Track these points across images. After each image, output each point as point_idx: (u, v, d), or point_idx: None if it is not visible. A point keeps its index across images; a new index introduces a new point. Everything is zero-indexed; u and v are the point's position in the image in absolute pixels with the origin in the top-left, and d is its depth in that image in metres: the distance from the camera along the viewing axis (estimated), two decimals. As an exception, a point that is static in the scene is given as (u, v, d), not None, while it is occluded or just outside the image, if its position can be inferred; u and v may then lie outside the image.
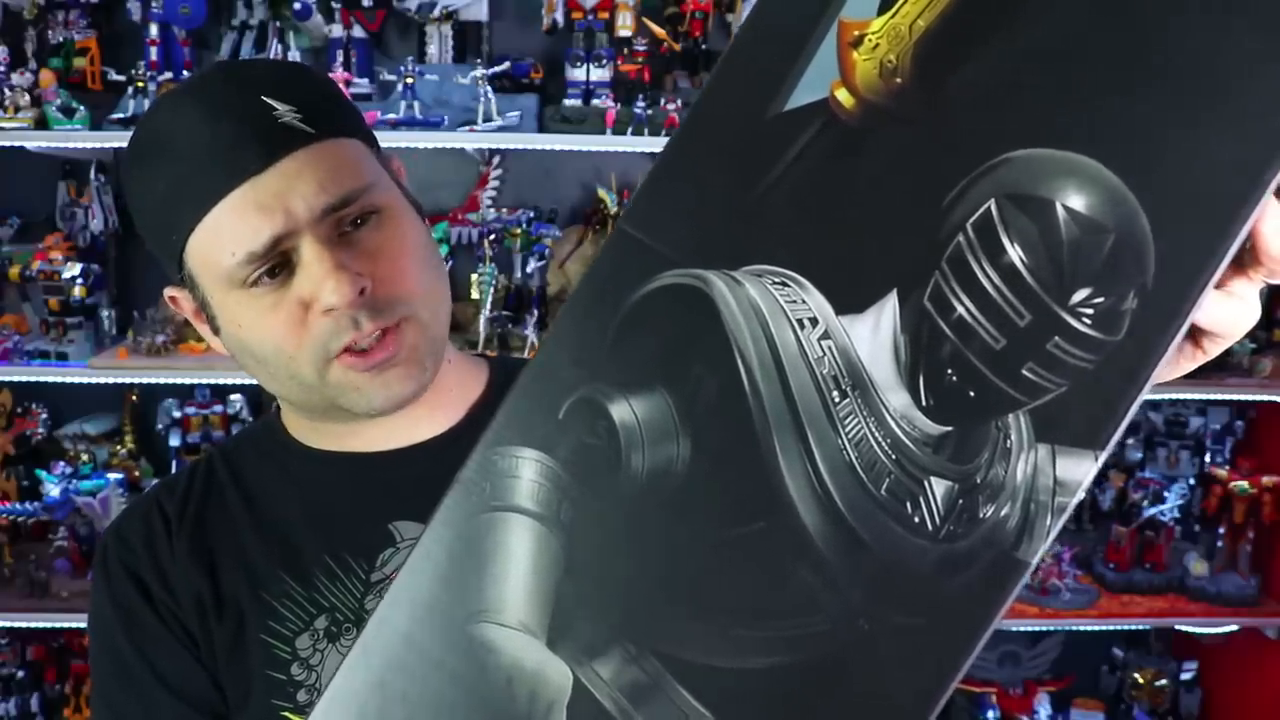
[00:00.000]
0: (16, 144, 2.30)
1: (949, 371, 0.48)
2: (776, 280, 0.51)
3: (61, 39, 2.49)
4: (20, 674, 2.59)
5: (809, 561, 0.49)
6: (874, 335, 0.49)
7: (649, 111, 2.38)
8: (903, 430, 0.49)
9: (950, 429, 0.48)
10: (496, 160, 2.66)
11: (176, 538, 0.92)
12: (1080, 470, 0.46)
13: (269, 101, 0.78)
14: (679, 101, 2.42)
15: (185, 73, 2.45)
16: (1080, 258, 0.46)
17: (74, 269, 2.42)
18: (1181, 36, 0.45)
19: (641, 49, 2.47)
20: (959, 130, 0.49)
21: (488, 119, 2.36)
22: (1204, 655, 2.85)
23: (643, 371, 0.54)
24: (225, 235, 0.79)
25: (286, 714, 0.88)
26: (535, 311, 2.49)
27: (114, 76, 2.46)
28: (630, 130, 2.37)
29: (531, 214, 2.61)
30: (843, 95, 0.51)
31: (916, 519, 0.48)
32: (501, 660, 0.55)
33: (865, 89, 0.51)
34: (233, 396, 2.62)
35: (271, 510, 0.94)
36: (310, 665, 0.89)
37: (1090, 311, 0.45)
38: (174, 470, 2.64)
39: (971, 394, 0.47)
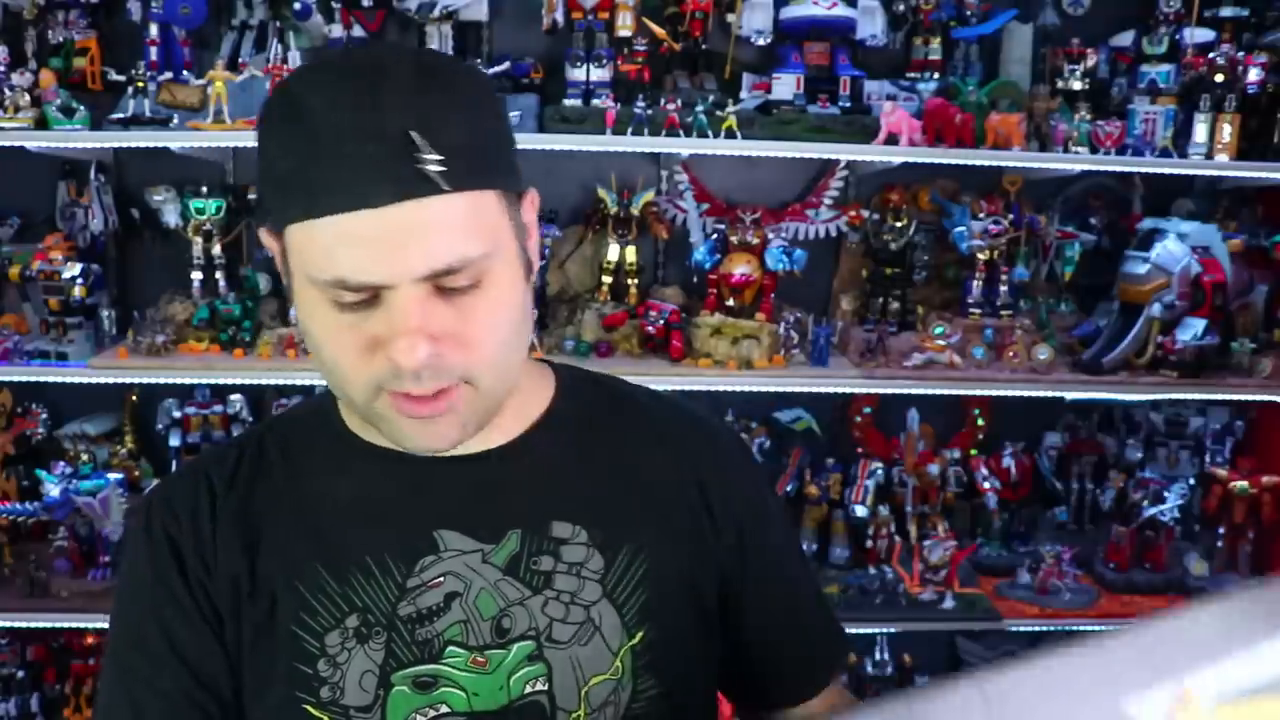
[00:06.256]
0: (16, 144, 2.30)
1: None
2: None
3: (61, 39, 2.49)
4: (20, 674, 2.59)
5: None
6: None
7: (649, 111, 2.38)
8: None
9: None
10: (496, 160, 2.65)
11: (220, 514, 0.92)
12: None
13: (416, 139, 0.75)
14: (679, 101, 2.42)
15: (185, 73, 2.45)
16: None
17: (74, 269, 2.41)
18: None
19: (641, 49, 2.47)
20: None
21: (488, 119, 2.35)
22: (1204, 655, 2.85)
23: None
24: (322, 250, 0.78)
25: (308, 708, 0.88)
26: (535, 311, 2.49)
27: (114, 76, 2.46)
28: (630, 130, 2.37)
29: (531, 214, 2.60)
30: None
31: None
32: None
33: None
34: (233, 396, 2.62)
35: (318, 500, 0.93)
36: (337, 663, 0.89)
37: None
38: (174, 470, 2.63)
39: None
